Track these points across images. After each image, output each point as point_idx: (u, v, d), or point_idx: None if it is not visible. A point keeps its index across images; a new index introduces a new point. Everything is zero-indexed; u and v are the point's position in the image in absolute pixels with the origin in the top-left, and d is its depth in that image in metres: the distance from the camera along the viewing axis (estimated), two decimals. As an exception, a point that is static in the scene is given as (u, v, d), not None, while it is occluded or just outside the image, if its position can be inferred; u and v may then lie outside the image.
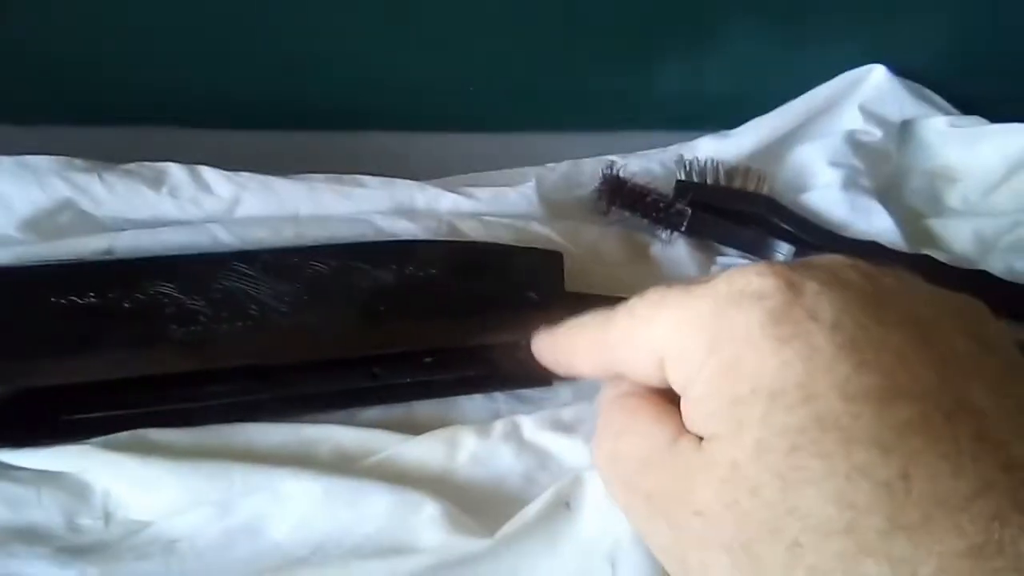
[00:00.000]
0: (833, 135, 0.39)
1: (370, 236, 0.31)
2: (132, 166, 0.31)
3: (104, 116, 0.37)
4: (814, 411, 0.16)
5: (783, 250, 0.34)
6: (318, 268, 0.28)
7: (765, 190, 0.36)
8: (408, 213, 0.33)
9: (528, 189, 0.34)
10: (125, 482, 0.24)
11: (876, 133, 0.39)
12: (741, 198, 0.36)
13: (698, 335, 0.18)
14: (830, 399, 0.16)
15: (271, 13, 0.35)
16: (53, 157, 0.30)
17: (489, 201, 0.34)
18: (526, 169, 0.37)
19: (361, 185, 0.33)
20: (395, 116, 0.39)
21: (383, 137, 0.39)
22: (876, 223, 0.35)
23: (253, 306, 0.26)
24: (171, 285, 0.26)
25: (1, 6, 0.34)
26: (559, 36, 0.38)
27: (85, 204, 0.30)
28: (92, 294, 0.26)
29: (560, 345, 0.24)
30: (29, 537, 0.23)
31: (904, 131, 0.40)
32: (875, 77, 0.40)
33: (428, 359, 0.28)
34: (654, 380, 0.20)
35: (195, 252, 0.29)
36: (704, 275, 0.33)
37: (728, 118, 0.40)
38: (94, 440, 0.24)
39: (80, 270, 0.27)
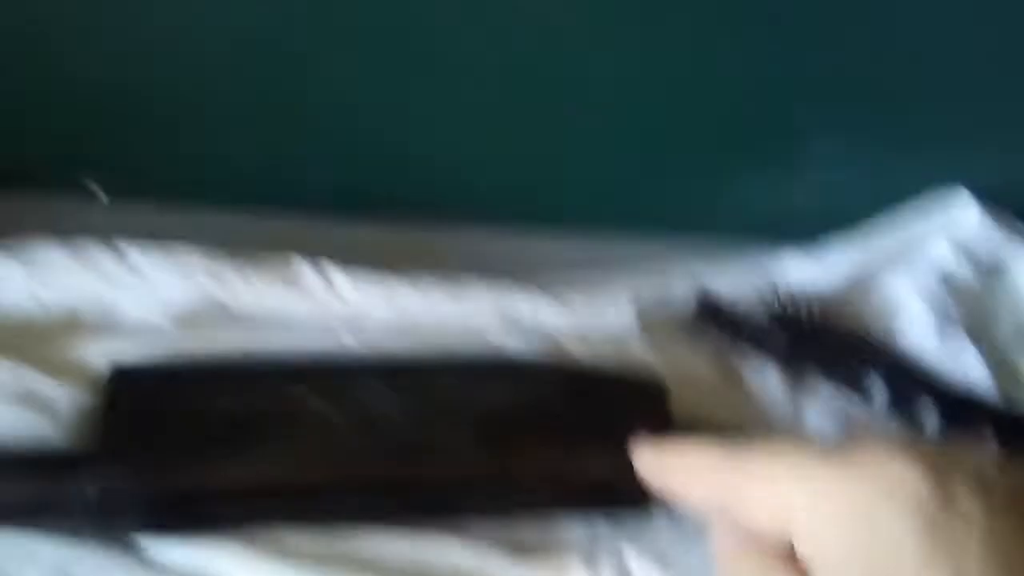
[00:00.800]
0: (922, 266, 0.40)
1: (479, 347, 0.33)
2: (269, 264, 0.33)
3: (227, 200, 0.39)
4: None
5: (880, 391, 0.34)
6: (440, 385, 0.30)
7: (856, 321, 0.38)
8: (513, 323, 0.35)
9: (624, 305, 0.36)
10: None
11: (967, 268, 0.40)
12: (835, 331, 0.37)
13: (841, 526, 0.19)
14: None
15: (374, 108, 0.38)
16: (201, 251, 0.33)
17: (588, 315, 0.35)
18: (617, 276, 0.39)
19: (469, 291, 0.35)
20: (487, 212, 0.41)
21: (473, 232, 0.41)
22: (967, 364, 0.36)
23: (383, 422, 0.28)
24: (312, 394, 0.28)
25: (143, 94, 0.37)
26: (647, 142, 0.40)
27: (227, 300, 0.32)
28: (236, 396, 0.28)
29: (670, 466, 0.25)
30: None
31: (996, 267, 0.41)
32: (965, 207, 0.41)
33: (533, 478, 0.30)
34: (771, 536, 0.21)
35: (325, 355, 0.31)
36: (831, 434, 0.33)
37: (812, 231, 0.41)
38: (228, 536, 0.26)
39: (224, 370, 0.30)
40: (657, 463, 0.26)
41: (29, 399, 0.30)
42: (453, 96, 0.36)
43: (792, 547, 0.21)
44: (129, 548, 0.26)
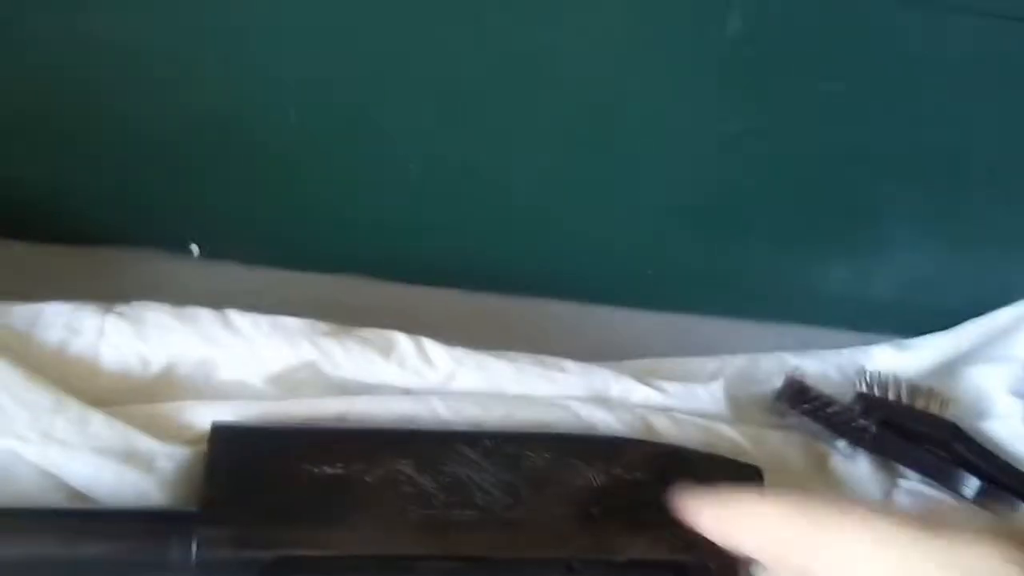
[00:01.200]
0: (1012, 361, 0.39)
1: (570, 422, 0.33)
2: (366, 333, 0.34)
3: (322, 265, 0.41)
4: None
5: (969, 483, 0.34)
6: (534, 460, 0.30)
7: (947, 413, 0.37)
8: (604, 402, 0.35)
9: (716, 388, 0.36)
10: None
11: (1057, 364, 0.39)
12: (925, 420, 0.36)
13: None
14: None
15: (478, 183, 0.39)
16: (304, 320, 0.33)
17: (679, 396, 0.35)
18: (704, 359, 0.39)
19: (562, 369, 0.35)
20: (581, 290, 0.42)
21: (568, 309, 0.42)
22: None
23: (479, 494, 0.28)
24: (407, 463, 0.29)
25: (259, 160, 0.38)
26: (742, 230, 0.40)
27: (325, 366, 0.33)
28: (332, 462, 0.28)
29: (737, 518, 0.24)
30: None
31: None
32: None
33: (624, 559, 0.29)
34: None
35: (419, 425, 0.31)
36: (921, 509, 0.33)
37: (901, 324, 0.41)
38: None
39: (321, 435, 0.30)
40: (723, 515, 0.25)
41: (130, 457, 0.30)
42: (556, 180, 0.37)
43: None
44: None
